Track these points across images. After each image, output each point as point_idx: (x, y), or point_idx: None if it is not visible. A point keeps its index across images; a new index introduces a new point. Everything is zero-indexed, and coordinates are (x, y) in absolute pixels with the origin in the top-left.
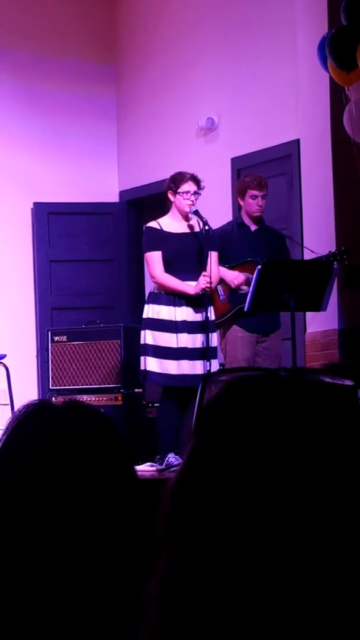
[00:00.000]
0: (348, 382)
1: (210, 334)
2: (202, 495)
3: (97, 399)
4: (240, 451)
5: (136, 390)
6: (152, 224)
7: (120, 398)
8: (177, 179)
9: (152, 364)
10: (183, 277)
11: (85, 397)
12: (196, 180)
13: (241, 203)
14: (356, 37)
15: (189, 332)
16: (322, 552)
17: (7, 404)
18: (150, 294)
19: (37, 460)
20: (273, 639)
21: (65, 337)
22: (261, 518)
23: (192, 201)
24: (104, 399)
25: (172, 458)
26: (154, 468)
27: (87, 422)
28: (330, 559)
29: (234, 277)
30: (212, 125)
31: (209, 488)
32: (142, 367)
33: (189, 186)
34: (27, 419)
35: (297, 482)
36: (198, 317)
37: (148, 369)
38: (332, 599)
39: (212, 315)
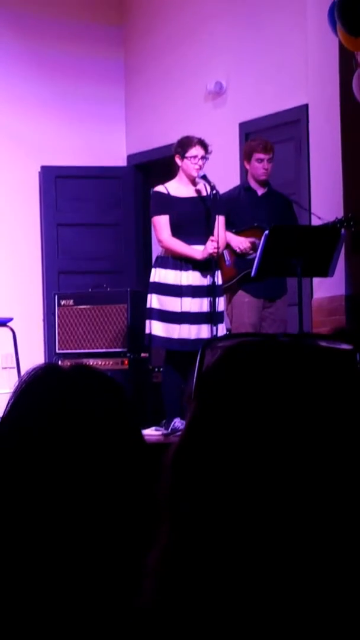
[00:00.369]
0: (346, 347)
1: (217, 299)
2: (203, 462)
3: (103, 363)
4: (240, 417)
5: (142, 354)
6: (160, 188)
7: (126, 362)
8: (185, 143)
9: (156, 328)
10: (190, 242)
11: (91, 361)
12: (204, 145)
13: (247, 166)
14: None
15: (193, 296)
16: (323, 516)
17: (14, 367)
18: (157, 258)
19: (44, 423)
20: (276, 612)
21: (72, 300)
22: (262, 483)
23: (200, 165)
24: (110, 363)
25: (178, 422)
26: (160, 432)
27: (94, 386)
28: (331, 527)
29: (239, 242)
30: (221, 89)
31: (209, 455)
32: (147, 331)
33: (196, 150)
34: (34, 383)
35: (297, 447)
36: (205, 281)
37: (152, 332)
38: (332, 568)
39: (219, 280)
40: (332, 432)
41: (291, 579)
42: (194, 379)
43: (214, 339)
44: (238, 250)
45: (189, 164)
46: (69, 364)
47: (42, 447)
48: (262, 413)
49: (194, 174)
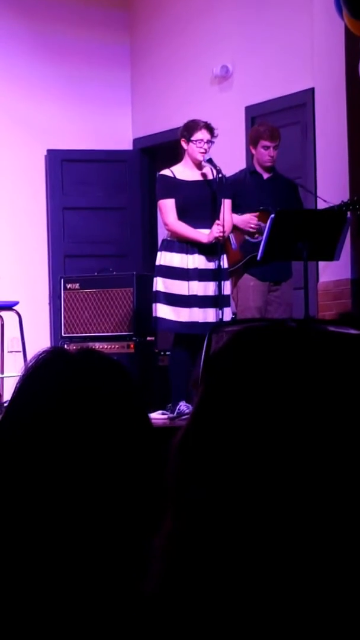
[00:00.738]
0: (354, 332)
1: (223, 282)
2: (210, 447)
3: (109, 346)
4: (248, 401)
5: (148, 338)
6: (166, 171)
7: (132, 346)
8: (191, 127)
9: (163, 311)
10: (196, 225)
11: (97, 345)
12: (210, 128)
13: (253, 151)
14: None
15: (200, 280)
16: (334, 503)
17: (20, 351)
18: (163, 241)
19: (51, 407)
20: (282, 599)
21: (77, 284)
22: (269, 470)
23: (206, 149)
24: (116, 346)
25: (183, 406)
26: (166, 416)
27: (100, 369)
28: (340, 517)
29: (247, 219)
30: (227, 73)
31: (216, 439)
32: (153, 314)
33: (202, 134)
34: (41, 366)
35: (305, 433)
36: (211, 265)
37: (159, 315)
38: (342, 563)
39: (225, 264)
40: (341, 416)
41: (298, 566)
42: (202, 363)
43: (221, 323)
44: (248, 228)
45: (194, 147)
46: (75, 347)
47: (49, 430)
48: (270, 398)
49: (200, 157)
